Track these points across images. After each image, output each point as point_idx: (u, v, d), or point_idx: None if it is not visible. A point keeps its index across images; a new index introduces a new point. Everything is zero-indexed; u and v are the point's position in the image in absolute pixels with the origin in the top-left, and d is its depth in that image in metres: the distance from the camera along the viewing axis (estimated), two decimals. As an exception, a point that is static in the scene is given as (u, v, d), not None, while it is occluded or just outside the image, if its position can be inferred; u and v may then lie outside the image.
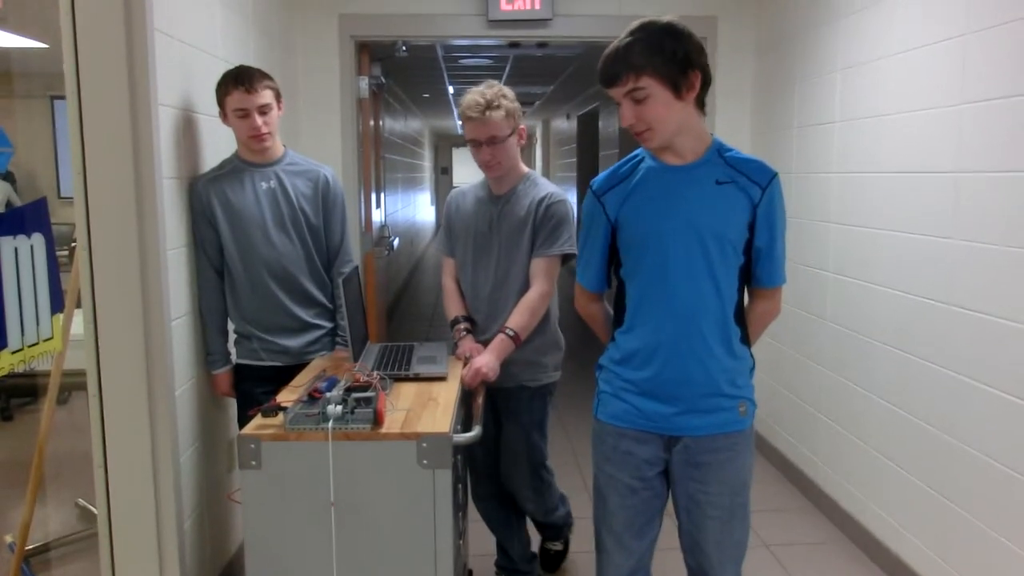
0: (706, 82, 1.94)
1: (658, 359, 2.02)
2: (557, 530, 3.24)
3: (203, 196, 2.76)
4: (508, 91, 2.65)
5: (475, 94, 2.62)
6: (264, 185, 2.80)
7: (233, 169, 2.81)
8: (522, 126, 2.71)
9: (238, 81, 2.67)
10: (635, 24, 1.91)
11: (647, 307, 2.04)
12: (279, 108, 2.81)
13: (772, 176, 2.00)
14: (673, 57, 1.88)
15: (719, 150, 2.01)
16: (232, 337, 2.92)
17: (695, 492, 2.07)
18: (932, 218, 2.92)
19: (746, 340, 2.08)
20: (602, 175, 2.13)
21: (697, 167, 2.00)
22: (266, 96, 2.72)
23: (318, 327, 2.90)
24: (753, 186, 1.98)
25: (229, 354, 2.90)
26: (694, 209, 1.97)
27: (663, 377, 2.02)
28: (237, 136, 2.79)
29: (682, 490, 2.09)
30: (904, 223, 3.10)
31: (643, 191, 2.03)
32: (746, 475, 2.10)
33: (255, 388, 2.84)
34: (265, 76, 2.75)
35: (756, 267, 2.06)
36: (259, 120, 2.71)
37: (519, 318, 2.66)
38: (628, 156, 2.11)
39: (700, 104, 1.97)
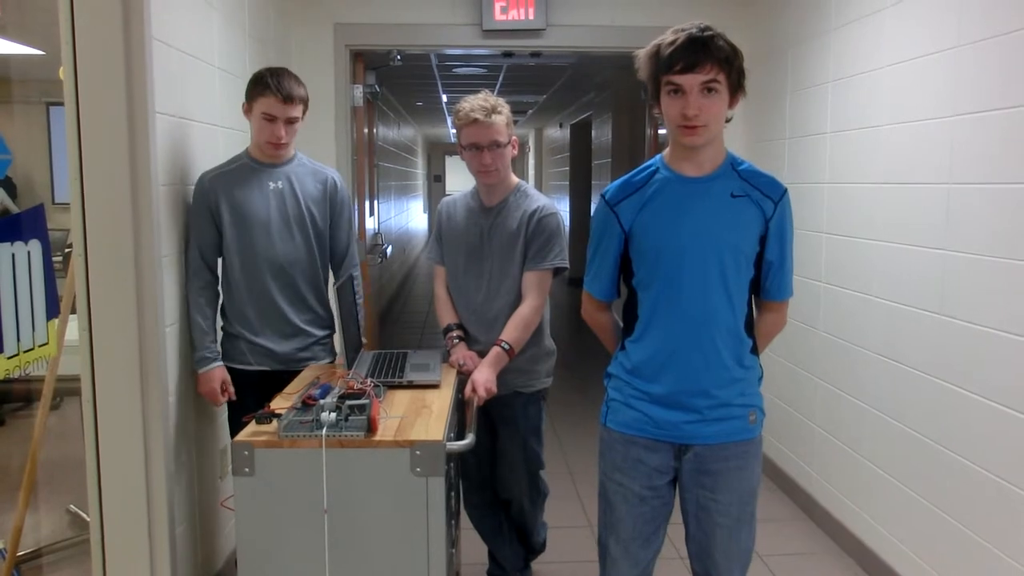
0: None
1: (670, 369, 2.04)
2: (528, 553, 3.16)
3: (209, 191, 2.74)
4: (503, 101, 2.69)
5: (477, 99, 2.64)
6: (272, 185, 2.79)
7: (242, 167, 2.80)
8: (514, 137, 2.73)
9: (278, 89, 2.65)
10: (700, 23, 1.92)
11: (660, 317, 2.05)
12: (303, 117, 2.80)
13: (784, 191, 2.04)
14: (741, 67, 1.94)
15: (732, 163, 2.04)
16: (219, 336, 2.89)
17: (704, 500, 2.09)
18: (924, 229, 2.94)
19: (755, 351, 2.11)
20: (615, 184, 2.13)
21: (714, 179, 2.02)
22: (298, 110, 2.72)
23: (308, 334, 2.89)
24: (766, 200, 2.02)
25: (218, 354, 2.85)
26: (710, 221, 1.99)
27: (675, 387, 2.04)
28: (255, 134, 2.78)
29: (691, 497, 2.11)
30: (896, 234, 3.13)
31: (659, 201, 2.04)
32: (755, 483, 2.12)
33: (239, 394, 2.84)
34: (301, 86, 2.74)
35: (766, 280, 2.09)
36: (283, 130, 2.71)
37: (513, 332, 2.67)
38: (642, 166, 2.12)
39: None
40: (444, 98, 10.71)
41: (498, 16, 4.50)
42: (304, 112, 2.79)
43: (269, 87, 2.66)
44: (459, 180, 20.37)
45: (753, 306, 2.13)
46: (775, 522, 3.86)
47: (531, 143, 18.47)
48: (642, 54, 1.98)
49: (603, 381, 2.24)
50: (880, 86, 3.24)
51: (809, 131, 3.88)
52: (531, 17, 4.50)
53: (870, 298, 3.32)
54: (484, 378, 2.59)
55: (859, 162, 3.41)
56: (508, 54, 5.08)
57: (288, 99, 2.67)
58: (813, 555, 3.54)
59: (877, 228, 3.26)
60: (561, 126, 13.46)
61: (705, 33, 1.90)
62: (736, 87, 1.94)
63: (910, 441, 3.03)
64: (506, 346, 2.65)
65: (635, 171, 2.12)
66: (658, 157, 2.10)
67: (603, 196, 2.13)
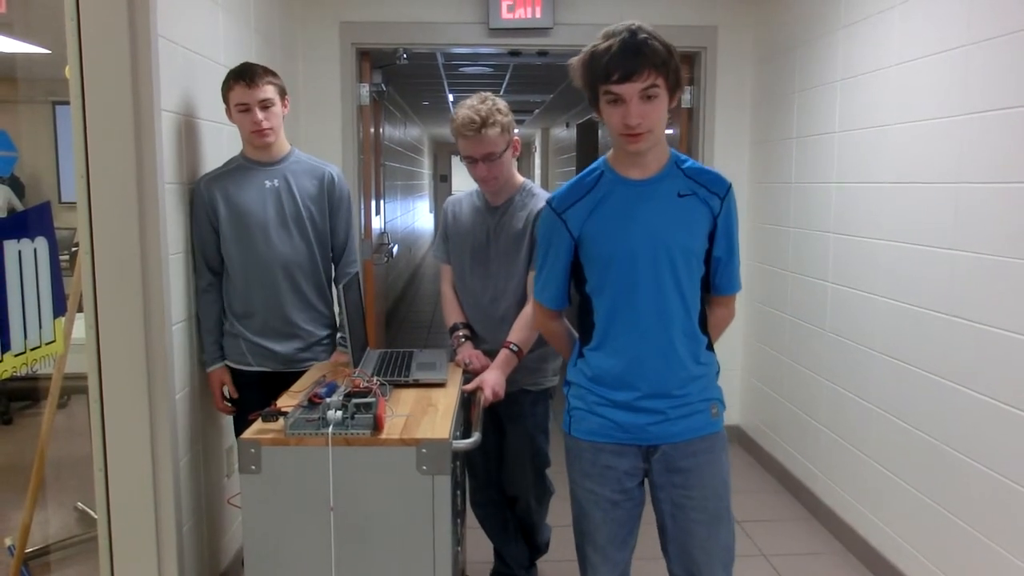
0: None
1: (632, 375, 2.03)
2: (533, 551, 3.16)
3: (205, 194, 2.75)
4: (501, 103, 2.63)
5: (469, 111, 2.58)
6: (269, 183, 2.79)
7: (238, 167, 2.80)
8: (516, 137, 2.70)
9: (240, 76, 2.68)
10: (630, 24, 1.89)
11: (617, 324, 2.04)
12: (284, 105, 2.80)
13: (728, 187, 2.04)
14: (677, 66, 1.91)
15: (676, 162, 2.04)
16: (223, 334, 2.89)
17: (679, 498, 2.08)
18: (932, 229, 2.93)
19: (711, 347, 2.11)
20: (561, 190, 2.11)
21: (659, 180, 2.01)
22: (268, 91, 2.71)
23: (310, 333, 2.89)
24: (713, 197, 2.01)
25: (220, 355, 2.87)
26: (660, 223, 1.99)
27: (639, 392, 2.03)
28: (241, 133, 2.79)
29: (665, 497, 2.10)
30: (904, 233, 3.11)
31: (607, 206, 2.03)
32: (725, 476, 2.12)
33: (241, 393, 2.85)
34: (268, 72, 2.75)
35: (715, 276, 2.09)
36: (260, 115, 2.70)
37: (521, 333, 2.66)
38: (586, 170, 2.10)
39: None
40: (450, 97, 10.70)
41: (505, 15, 4.49)
42: (282, 97, 2.79)
43: (232, 77, 2.70)
44: (465, 180, 20.33)
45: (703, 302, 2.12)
46: (780, 522, 3.86)
47: (537, 143, 18.45)
48: (575, 62, 1.96)
49: (563, 389, 2.22)
50: (888, 85, 3.23)
51: (816, 130, 3.87)
52: (538, 16, 4.50)
53: (877, 298, 3.31)
54: (493, 380, 2.58)
55: (867, 162, 3.40)
56: (515, 53, 5.07)
57: (252, 82, 2.68)
58: (818, 555, 3.53)
59: (885, 228, 3.25)
60: (568, 126, 13.44)
61: (639, 36, 1.86)
62: (674, 87, 1.92)
63: (916, 442, 3.02)
64: (515, 348, 2.65)
65: (580, 175, 2.10)
66: (602, 159, 2.09)
67: (549, 203, 2.11)
